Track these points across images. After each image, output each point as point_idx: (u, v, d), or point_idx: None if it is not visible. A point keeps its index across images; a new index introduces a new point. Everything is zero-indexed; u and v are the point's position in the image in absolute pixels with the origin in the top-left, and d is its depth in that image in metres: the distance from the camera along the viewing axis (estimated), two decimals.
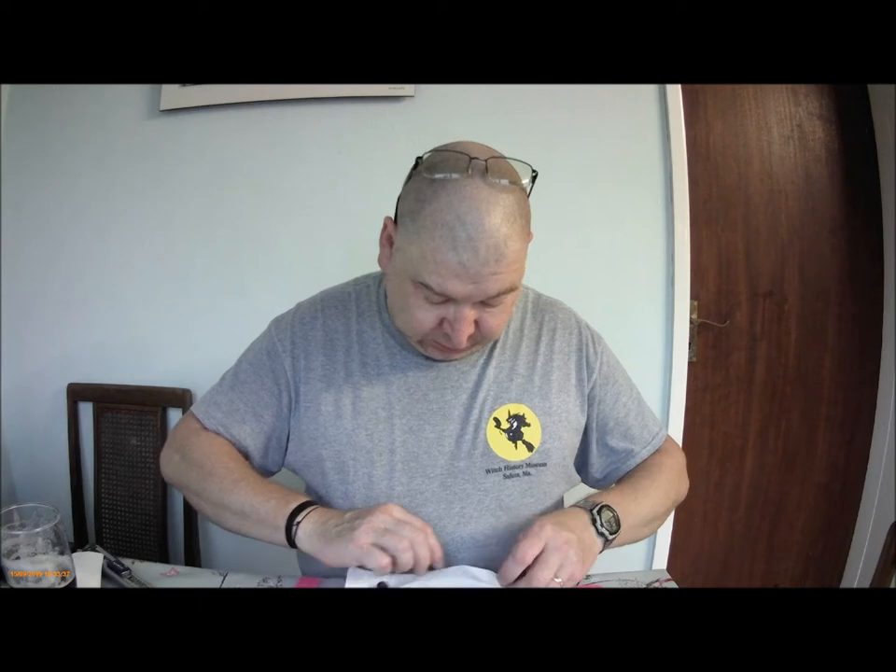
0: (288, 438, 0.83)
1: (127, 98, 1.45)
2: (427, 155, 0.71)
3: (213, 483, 0.77)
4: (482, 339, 0.75)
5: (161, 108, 1.43)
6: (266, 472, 0.86)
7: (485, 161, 0.66)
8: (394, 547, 0.64)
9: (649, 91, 1.43)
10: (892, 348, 1.60)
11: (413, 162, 0.71)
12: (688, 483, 0.91)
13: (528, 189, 0.72)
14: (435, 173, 0.68)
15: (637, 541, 0.80)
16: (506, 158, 0.71)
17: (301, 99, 1.41)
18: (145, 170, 1.46)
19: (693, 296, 1.51)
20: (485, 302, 0.70)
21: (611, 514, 0.74)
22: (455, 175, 0.66)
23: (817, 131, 1.61)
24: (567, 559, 0.67)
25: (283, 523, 0.71)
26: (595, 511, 0.73)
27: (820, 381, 1.67)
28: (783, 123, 1.60)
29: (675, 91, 1.42)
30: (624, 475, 0.87)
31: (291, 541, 0.71)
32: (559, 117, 1.42)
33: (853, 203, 1.62)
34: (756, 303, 1.63)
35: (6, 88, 1.47)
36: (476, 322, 0.71)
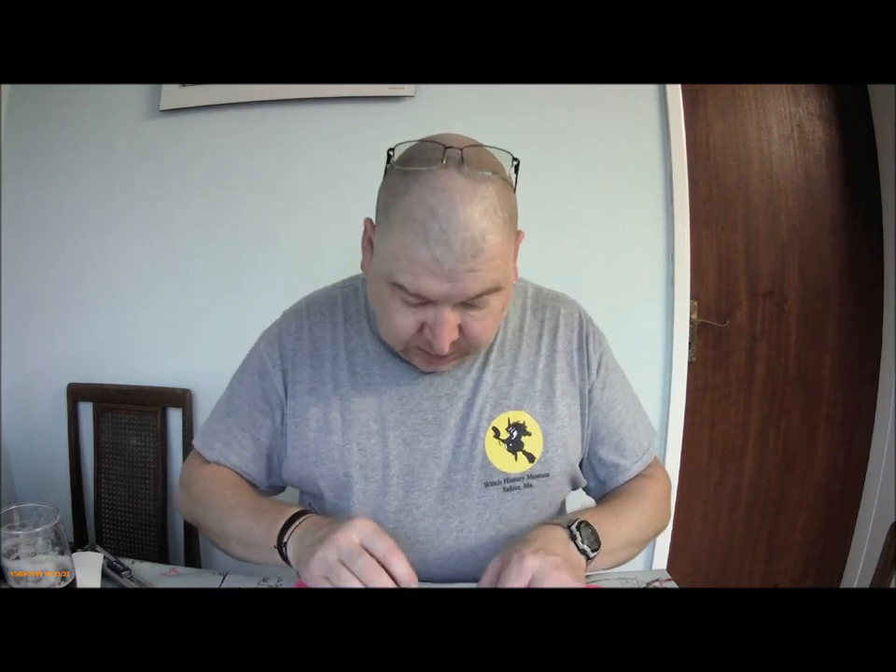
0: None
1: (127, 98, 1.45)
2: (400, 146, 0.67)
3: (213, 515, 0.75)
4: (468, 346, 0.69)
5: (161, 108, 1.43)
6: (276, 489, 0.84)
7: (461, 150, 0.62)
8: (340, 586, 0.58)
9: (649, 90, 1.43)
10: (892, 348, 1.60)
11: (386, 156, 0.67)
12: (670, 515, 0.87)
13: (513, 181, 0.67)
14: (408, 165, 0.63)
15: (611, 567, 0.75)
16: (485, 146, 0.67)
17: (301, 99, 1.41)
18: (145, 170, 1.47)
19: (693, 296, 1.51)
20: (467, 304, 0.65)
21: (591, 530, 0.68)
22: (428, 167, 0.61)
23: (817, 131, 1.61)
24: (562, 585, 0.60)
25: (275, 543, 0.66)
26: (573, 528, 0.67)
27: (820, 381, 1.67)
28: (783, 123, 1.60)
29: (675, 91, 1.43)
30: (606, 495, 0.83)
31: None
32: (559, 117, 1.42)
33: (853, 203, 1.62)
34: (756, 303, 1.63)
35: (6, 88, 1.47)
36: (460, 328, 0.66)
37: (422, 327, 0.66)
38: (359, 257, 0.75)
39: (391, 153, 0.67)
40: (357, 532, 0.60)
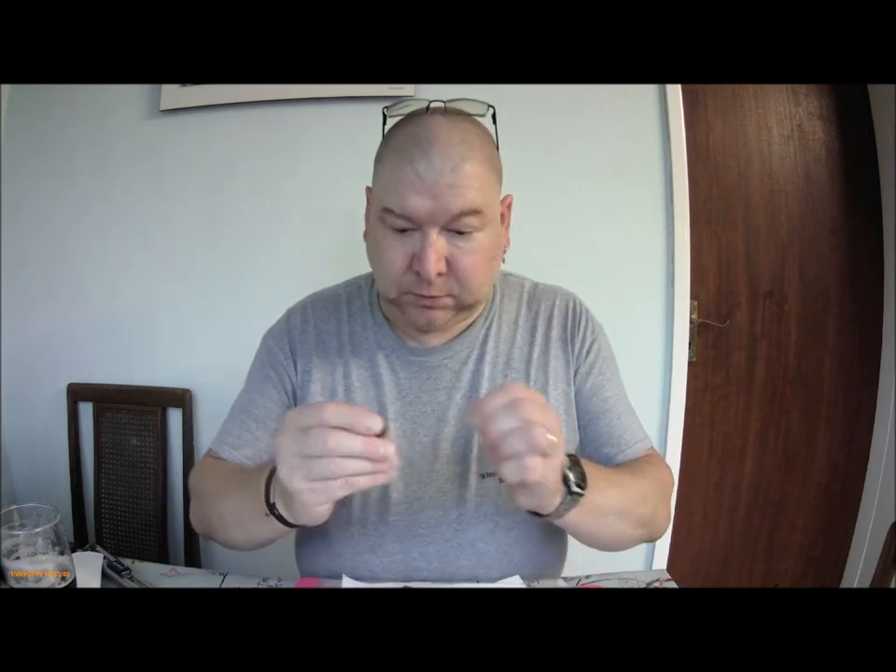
0: None
1: (127, 98, 1.45)
2: (395, 106, 0.73)
3: (211, 503, 0.73)
4: (458, 289, 0.69)
5: (161, 108, 1.43)
6: None
7: (444, 102, 0.70)
8: (321, 474, 0.53)
9: (649, 91, 1.43)
10: (892, 348, 1.60)
11: (382, 118, 0.74)
12: (669, 518, 0.81)
13: (495, 134, 0.74)
14: (399, 114, 0.72)
15: (598, 536, 0.71)
16: (465, 99, 0.73)
17: (301, 99, 1.41)
18: (145, 170, 1.47)
19: (693, 296, 1.51)
20: (453, 231, 0.67)
21: (580, 469, 0.63)
22: (417, 116, 0.69)
23: (817, 131, 1.61)
24: (538, 432, 0.54)
25: (263, 497, 0.62)
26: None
27: (820, 381, 1.67)
28: (783, 123, 1.60)
29: (675, 91, 1.43)
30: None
31: (292, 525, 0.62)
32: (559, 117, 1.42)
33: (853, 203, 1.62)
34: (756, 303, 1.63)
35: (6, 88, 1.47)
36: (448, 261, 0.67)
37: (411, 261, 0.68)
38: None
39: (385, 111, 0.73)
40: (287, 422, 0.55)
